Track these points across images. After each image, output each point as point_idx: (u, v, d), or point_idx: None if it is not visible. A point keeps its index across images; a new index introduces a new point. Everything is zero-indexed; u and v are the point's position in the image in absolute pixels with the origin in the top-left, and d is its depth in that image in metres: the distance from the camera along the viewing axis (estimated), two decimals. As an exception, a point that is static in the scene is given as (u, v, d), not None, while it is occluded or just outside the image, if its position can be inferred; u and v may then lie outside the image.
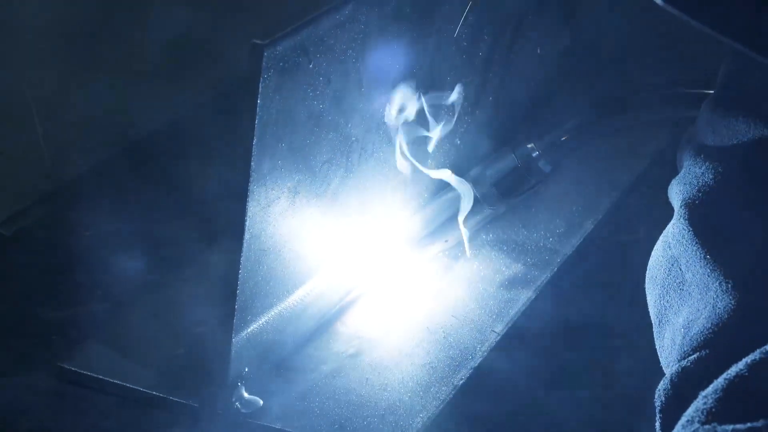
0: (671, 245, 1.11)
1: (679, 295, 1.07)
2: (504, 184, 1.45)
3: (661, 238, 1.15)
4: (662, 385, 0.98)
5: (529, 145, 1.48)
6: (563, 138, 1.50)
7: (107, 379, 1.21)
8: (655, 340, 1.11)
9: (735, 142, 1.15)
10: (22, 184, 1.53)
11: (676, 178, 1.18)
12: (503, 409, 1.20)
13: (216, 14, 1.62)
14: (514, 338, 1.27)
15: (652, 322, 1.12)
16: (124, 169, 1.60)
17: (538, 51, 1.53)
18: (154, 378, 1.21)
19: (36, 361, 1.25)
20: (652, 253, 1.16)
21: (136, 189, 1.56)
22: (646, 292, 1.15)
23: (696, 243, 1.07)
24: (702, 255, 1.06)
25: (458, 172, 1.41)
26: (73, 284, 1.36)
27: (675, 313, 1.06)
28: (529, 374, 1.23)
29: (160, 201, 1.50)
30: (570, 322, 1.29)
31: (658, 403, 0.98)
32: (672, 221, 1.14)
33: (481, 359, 1.23)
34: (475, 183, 1.41)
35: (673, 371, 0.98)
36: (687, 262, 1.07)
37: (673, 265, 1.09)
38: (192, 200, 1.44)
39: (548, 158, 1.48)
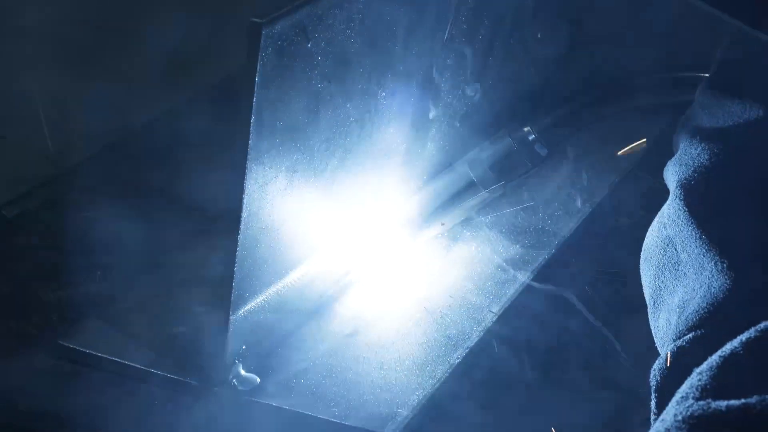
0: (666, 225, 1.11)
1: (674, 275, 1.07)
2: (500, 167, 1.46)
3: (656, 218, 1.15)
4: (657, 364, 0.99)
5: (525, 129, 1.49)
6: (559, 122, 1.50)
7: (106, 356, 1.22)
8: (650, 320, 1.11)
9: (730, 124, 1.16)
10: (25, 169, 1.54)
11: (672, 159, 1.19)
12: (499, 387, 1.20)
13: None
14: (511, 318, 1.28)
15: (647, 302, 1.12)
16: (124, 154, 1.61)
17: (539, 36, 1.54)
18: (152, 356, 1.21)
19: (36, 340, 1.26)
20: (647, 233, 1.16)
21: (136, 173, 1.57)
22: (641, 273, 1.15)
23: (691, 223, 1.08)
24: (697, 235, 1.06)
25: (457, 154, 1.41)
26: (73, 265, 1.37)
27: (670, 294, 1.07)
28: (524, 354, 1.23)
29: (159, 185, 1.51)
30: (567, 304, 1.29)
31: (653, 383, 0.98)
32: (667, 202, 1.14)
33: (477, 339, 1.24)
34: (471, 166, 1.43)
35: (668, 351, 0.99)
36: (682, 242, 1.07)
37: (668, 245, 1.10)
38: (192, 184, 1.44)
39: (544, 142, 1.49)
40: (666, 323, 1.05)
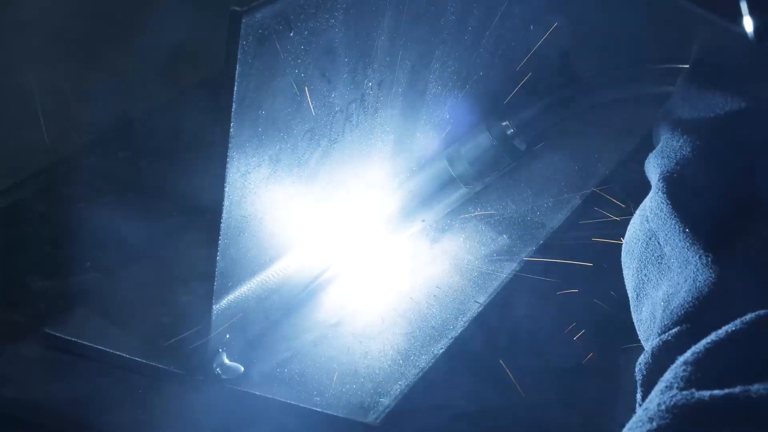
0: (649, 219, 1.11)
1: (657, 268, 1.07)
2: (479, 162, 1.44)
3: (637, 212, 1.15)
4: (643, 358, 0.99)
5: (503, 123, 1.47)
6: (538, 115, 1.48)
7: (92, 345, 1.22)
8: (633, 313, 1.11)
9: (712, 116, 1.16)
10: (20, 159, 1.54)
11: (654, 152, 1.18)
12: (482, 378, 1.20)
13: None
14: (496, 309, 1.28)
15: (629, 295, 1.12)
16: (119, 146, 1.61)
17: (531, 28, 1.53)
18: (138, 345, 1.22)
19: (24, 329, 1.26)
20: (629, 227, 1.16)
21: (131, 165, 1.57)
22: (623, 266, 1.15)
23: (674, 216, 1.07)
24: (681, 229, 1.06)
25: (445, 145, 1.41)
26: (62, 255, 1.37)
27: (654, 287, 1.07)
28: (508, 344, 1.23)
29: (154, 177, 1.52)
30: (553, 295, 1.29)
31: (639, 377, 0.98)
32: (650, 195, 1.14)
33: (461, 329, 1.24)
34: (450, 162, 1.42)
35: (654, 345, 0.98)
36: (665, 235, 1.07)
37: (650, 238, 1.10)
38: (186, 177, 1.45)
39: (523, 136, 1.47)
40: (650, 317, 1.05)
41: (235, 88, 1.04)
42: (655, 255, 1.08)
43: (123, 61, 1.63)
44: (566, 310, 1.27)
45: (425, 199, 1.42)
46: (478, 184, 1.42)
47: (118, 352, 1.21)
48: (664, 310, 1.02)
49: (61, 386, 1.20)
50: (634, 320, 1.11)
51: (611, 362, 1.20)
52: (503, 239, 1.38)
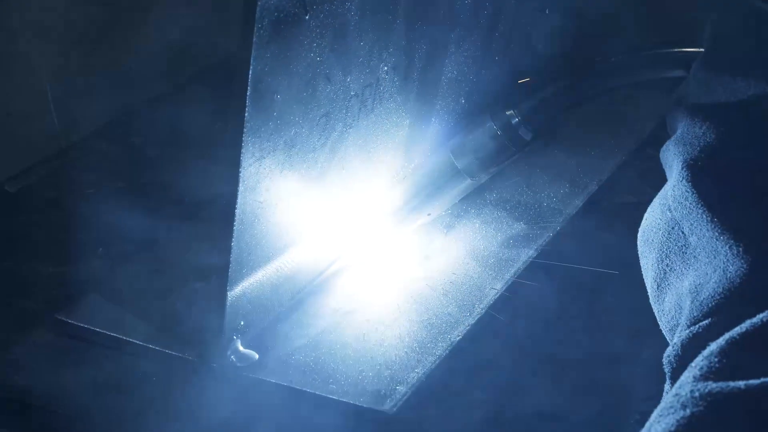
0: (672, 208, 1.09)
1: (681, 258, 1.05)
2: (484, 153, 1.39)
3: (657, 200, 1.13)
4: (672, 350, 0.97)
5: (508, 113, 1.40)
6: (543, 104, 1.41)
7: (105, 332, 1.21)
8: (653, 303, 1.09)
9: (735, 101, 1.14)
10: (29, 145, 1.53)
11: (672, 139, 1.16)
12: (499, 366, 1.19)
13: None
14: (514, 296, 1.27)
15: (648, 285, 1.10)
16: (126, 131, 1.60)
17: (546, 11, 1.51)
18: (151, 332, 1.21)
19: (35, 316, 1.26)
20: (647, 215, 1.14)
21: (138, 150, 1.56)
22: (640, 255, 1.13)
23: (701, 206, 1.05)
24: (708, 218, 1.04)
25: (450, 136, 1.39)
26: (74, 242, 1.36)
27: (678, 277, 1.05)
28: (525, 332, 1.22)
29: (161, 164, 1.51)
30: (571, 282, 1.28)
31: (668, 369, 0.97)
32: (670, 183, 1.12)
33: (478, 316, 1.22)
34: (454, 153, 1.38)
35: (684, 337, 0.97)
36: (691, 225, 1.05)
37: (673, 228, 1.08)
38: (193, 159, 1.44)
39: (529, 125, 1.40)
40: (675, 307, 1.04)
41: (251, 72, 1.03)
42: (679, 245, 1.06)
43: (130, 49, 1.62)
44: (584, 297, 1.26)
45: (430, 193, 1.39)
46: (483, 175, 1.39)
47: (131, 339, 1.20)
48: (692, 302, 1.00)
49: (73, 373, 1.19)
50: (655, 310, 1.09)
51: (628, 350, 1.19)
52: (519, 225, 1.37)
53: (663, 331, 1.07)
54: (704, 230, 1.03)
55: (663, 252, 1.08)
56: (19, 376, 1.18)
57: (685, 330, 0.97)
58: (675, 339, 0.99)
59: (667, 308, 1.05)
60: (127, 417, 1.14)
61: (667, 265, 1.06)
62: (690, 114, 1.15)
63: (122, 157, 1.55)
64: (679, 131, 1.16)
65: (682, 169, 1.10)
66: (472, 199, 1.41)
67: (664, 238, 1.08)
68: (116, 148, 1.57)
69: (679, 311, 1.03)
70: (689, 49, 1.33)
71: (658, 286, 1.07)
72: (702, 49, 1.27)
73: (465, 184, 1.41)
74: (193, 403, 1.14)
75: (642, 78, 1.44)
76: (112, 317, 1.23)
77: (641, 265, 1.13)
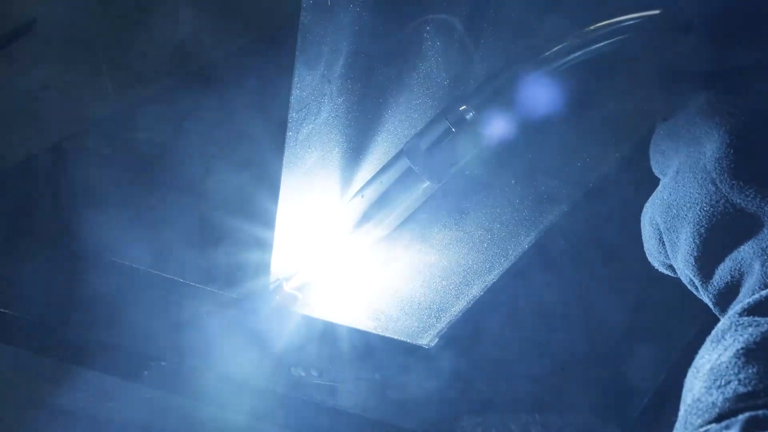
0: (717, 181, 1.04)
1: (727, 233, 1.02)
2: (441, 153, 1.27)
3: (687, 175, 1.07)
4: (731, 320, 0.93)
5: (461, 108, 1.27)
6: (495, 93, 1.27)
7: (154, 272, 1.26)
8: (694, 278, 1.06)
9: None
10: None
11: (695, 113, 1.10)
12: (537, 305, 1.24)
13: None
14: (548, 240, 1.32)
15: (681, 259, 1.06)
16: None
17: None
18: (200, 273, 1.26)
19: (86, 257, 1.31)
20: (669, 191, 1.09)
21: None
22: (665, 232, 1.09)
23: (754, 178, 1.02)
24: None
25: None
26: (123, 186, 1.41)
27: (729, 248, 1.02)
28: (560, 276, 1.27)
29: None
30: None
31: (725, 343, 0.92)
32: (713, 156, 1.05)
33: (514, 260, 1.29)
34: (410, 156, 1.28)
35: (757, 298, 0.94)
36: (746, 195, 1.02)
37: (717, 201, 1.04)
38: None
39: (485, 118, 1.26)
40: (729, 280, 1.01)
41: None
42: (726, 218, 1.03)
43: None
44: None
45: (388, 200, 1.31)
46: (442, 176, 1.28)
47: (178, 279, 1.25)
48: (762, 265, 0.97)
49: (121, 311, 1.24)
50: (698, 285, 1.05)
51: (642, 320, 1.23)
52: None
53: (711, 303, 1.04)
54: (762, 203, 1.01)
55: (699, 226, 1.04)
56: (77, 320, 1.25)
57: (751, 296, 0.95)
58: (730, 309, 0.97)
59: (716, 282, 1.03)
60: (175, 355, 1.21)
61: (708, 239, 1.03)
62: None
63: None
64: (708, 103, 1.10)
65: (727, 142, 1.04)
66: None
67: (705, 212, 1.04)
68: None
69: (731, 281, 1.01)
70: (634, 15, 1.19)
71: (697, 258, 1.04)
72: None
73: (423, 186, 1.30)
74: (239, 340, 1.20)
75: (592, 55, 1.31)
76: (159, 257, 1.28)
77: (667, 240, 1.09)
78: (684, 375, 0.90)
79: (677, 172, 1.08)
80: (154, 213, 1.37)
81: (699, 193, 1.05)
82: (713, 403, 0.83)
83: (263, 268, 1.21)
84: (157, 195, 1.40)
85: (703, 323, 1.03)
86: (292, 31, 1.11)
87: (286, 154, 1.16)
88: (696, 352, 0.91)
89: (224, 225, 1.31)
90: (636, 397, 1.17)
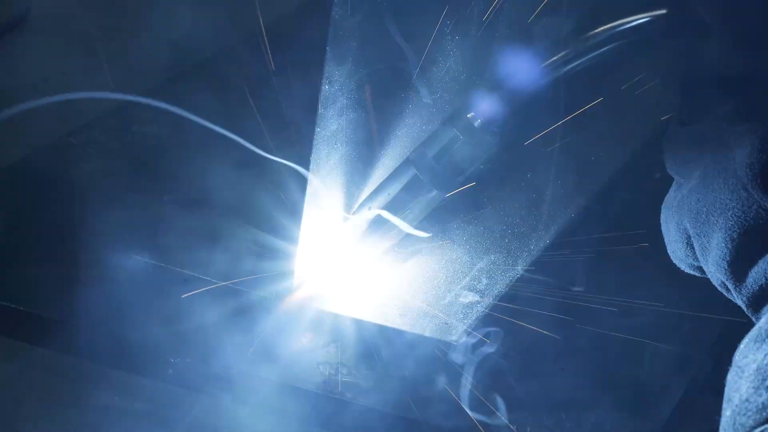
0: (749, 187, 1.03)
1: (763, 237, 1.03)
2: (450, 162, 1.26)
3: (717, 180, 1.07)
4: None
5: (468, 115, 1.25)
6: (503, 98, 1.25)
7: (179, 269, 1.29)
8: (727, 281, 1.05)
9: None
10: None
11: (725, 117, 1.09)
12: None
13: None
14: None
15: (712, 263, 1.06)
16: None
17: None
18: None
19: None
20: (696, 196, 1.08)
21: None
22: (694, 236, 1.09)
23: None
24: None
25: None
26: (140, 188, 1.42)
27: (755, 251, 1.03)
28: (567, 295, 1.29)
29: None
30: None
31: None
32: (743, 163, 1.04)
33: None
34: (417, 166, 1.27)
35: None
36: None
37: (750, 206, 1.03)
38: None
39: (493, 125, 1.25)
40: (764, 277, 1.02)
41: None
42: (759, 223, 1.03)
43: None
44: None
45: (398, 210, 1.30)
46: (451, 185, 1.27)
47: (204, 277, 1.26)
48: None
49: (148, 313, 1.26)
50: (731, 288, 1.05)
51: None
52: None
53: (740, 303, 1.05)
54: None
55: (732, 231, 1.04)
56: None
57: None
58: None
59: (751, 282, 1.03)
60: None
61: (744, 242, 1.04)
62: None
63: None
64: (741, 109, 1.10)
65: (760, 145, 1.03)
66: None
67: (737, 218, 1.04)
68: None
69: None
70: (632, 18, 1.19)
71: (730, 262, 1.05)
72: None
73: (431, 196, 1.30)
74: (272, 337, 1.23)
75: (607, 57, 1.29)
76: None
77: (696, 245, 1.08)
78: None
79: (704, 177, 1.08)
80: (166, 211, 1.39)
81: (730, 199, 1.05)
82: (764, 404, 0.84)
83: (287, 268, 1.23)
84: (167, 197, 1.42)
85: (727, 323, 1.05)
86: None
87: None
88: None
89: (229, 227, 1.34)
90: (666, 394, 1.19)
